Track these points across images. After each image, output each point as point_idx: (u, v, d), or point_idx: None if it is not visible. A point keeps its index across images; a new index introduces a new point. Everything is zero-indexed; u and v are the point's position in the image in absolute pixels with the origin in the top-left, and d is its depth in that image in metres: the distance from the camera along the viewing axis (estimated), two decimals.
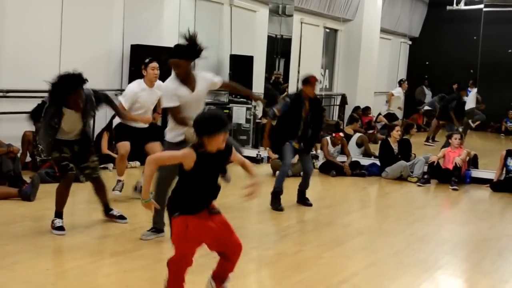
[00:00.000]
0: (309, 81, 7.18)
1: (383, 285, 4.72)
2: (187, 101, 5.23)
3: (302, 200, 7.45)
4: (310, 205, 7.40)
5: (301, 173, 7.76)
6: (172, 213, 3.68)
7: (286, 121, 7.20)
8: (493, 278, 5.06)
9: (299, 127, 7.17)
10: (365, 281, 4.79)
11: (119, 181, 7.09)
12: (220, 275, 3.89)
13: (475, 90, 12.85)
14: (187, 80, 5.27)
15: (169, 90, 5.29)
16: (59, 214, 5.65)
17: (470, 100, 12.87)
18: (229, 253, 3.80)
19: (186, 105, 5.23)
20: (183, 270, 3.72)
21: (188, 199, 3.64)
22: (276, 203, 7.07)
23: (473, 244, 6.28)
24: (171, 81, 5.34)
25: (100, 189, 6.03)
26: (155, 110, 7.30)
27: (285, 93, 11.04)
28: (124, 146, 6.93)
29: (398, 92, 14.34)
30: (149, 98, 6.80)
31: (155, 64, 6.74)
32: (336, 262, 5.24)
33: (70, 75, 5.34)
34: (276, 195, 7.10)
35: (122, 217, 6.08)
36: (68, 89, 5.34)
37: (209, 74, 5.57)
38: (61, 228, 5.56)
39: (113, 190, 6.96)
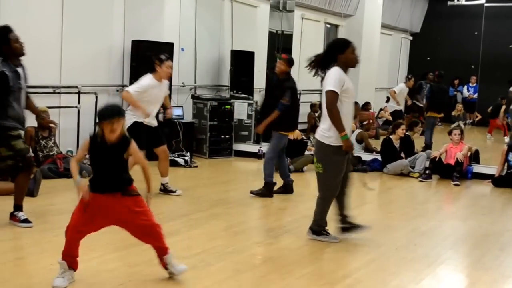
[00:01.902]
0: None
1: (386, 280, 4.73)
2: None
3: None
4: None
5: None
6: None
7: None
8: (495, 273, 5.07)
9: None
10: (368, 276, 4.80)
11: None
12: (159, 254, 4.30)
13: None
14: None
15: None
16: (20, 207, 5.59)
17: None
18: (138, 236, 4.21)
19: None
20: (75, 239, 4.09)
21: (92, 178, 4.10)
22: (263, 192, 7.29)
23: (475, 239, 6.29)
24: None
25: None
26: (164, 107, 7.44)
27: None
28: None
29: (400, 88, 14.13)
30: (159, 93, 7.01)
31: (171, 63, 6.99)
32: (338, 257, 5.24)
33: None
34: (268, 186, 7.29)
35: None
36: None
37: None
38: (27, 221, 5.52)
39: None
